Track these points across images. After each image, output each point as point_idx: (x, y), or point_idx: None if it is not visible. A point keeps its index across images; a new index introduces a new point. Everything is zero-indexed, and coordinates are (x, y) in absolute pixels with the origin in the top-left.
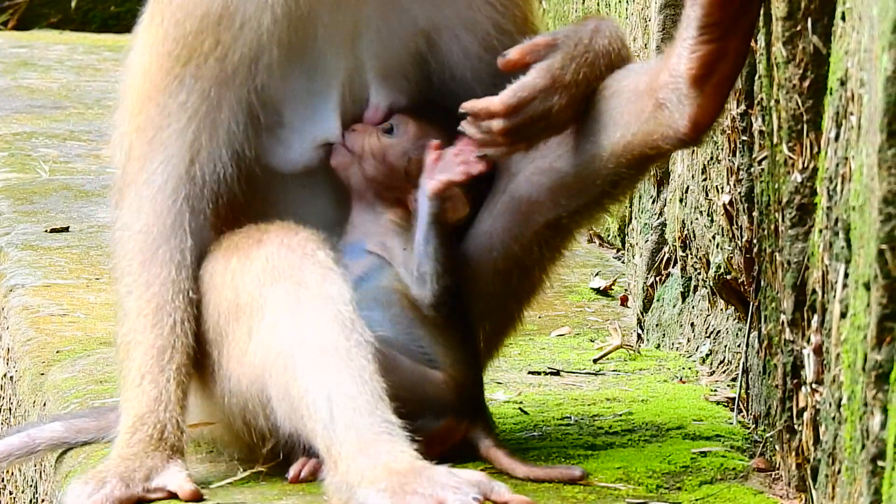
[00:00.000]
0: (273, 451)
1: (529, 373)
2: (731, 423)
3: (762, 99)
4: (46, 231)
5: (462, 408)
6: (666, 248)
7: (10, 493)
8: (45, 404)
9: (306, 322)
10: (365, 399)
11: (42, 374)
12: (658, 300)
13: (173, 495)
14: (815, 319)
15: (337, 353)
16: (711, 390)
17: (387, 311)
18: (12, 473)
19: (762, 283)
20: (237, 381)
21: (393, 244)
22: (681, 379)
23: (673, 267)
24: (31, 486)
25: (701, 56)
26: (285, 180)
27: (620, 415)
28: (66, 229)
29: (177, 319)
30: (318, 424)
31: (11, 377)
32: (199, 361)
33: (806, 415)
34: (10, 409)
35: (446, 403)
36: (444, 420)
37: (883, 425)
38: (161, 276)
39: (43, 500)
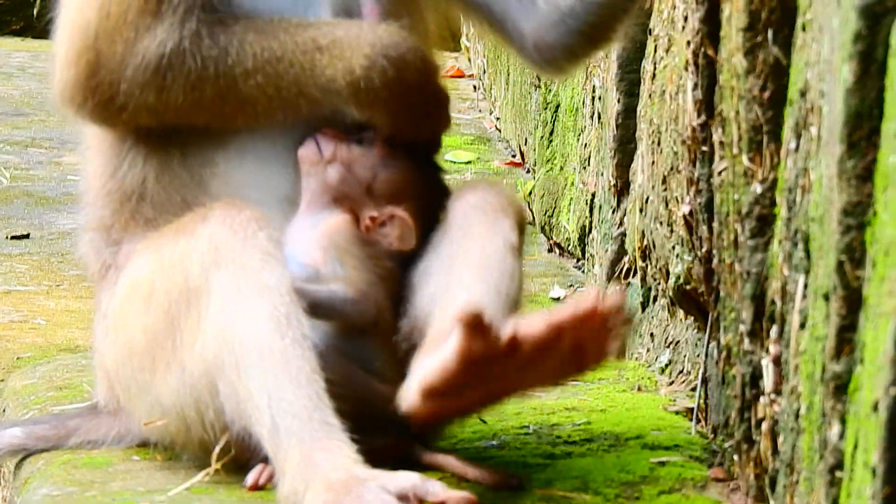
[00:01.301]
0: (226, 449)
1: None
2: (690, 433)
3: (722, 110)
4: (7, 238)
5: (407, 423)
6: (626, 258)
7: None
8: (4, 410)
9: (247, 316)
10: (302, 403)
11: (2, 380)
12: None
13: None
14: (774, 330)
15: (272, 354)
16: (670, 400)
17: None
18: None
19: (721, 293)
20: (190, 371)
21: (327, 259)
22: (639, 388)
23: (633, 277)
24: None
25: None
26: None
27: (579, 424)
28: (26, 236)
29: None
30: (263, 429)
31: None
32: (152, 351)
33: (764, 425)
34: None
35: (393, 418)
36: (390, 436)
37: (841, 436)
38: None
39: None
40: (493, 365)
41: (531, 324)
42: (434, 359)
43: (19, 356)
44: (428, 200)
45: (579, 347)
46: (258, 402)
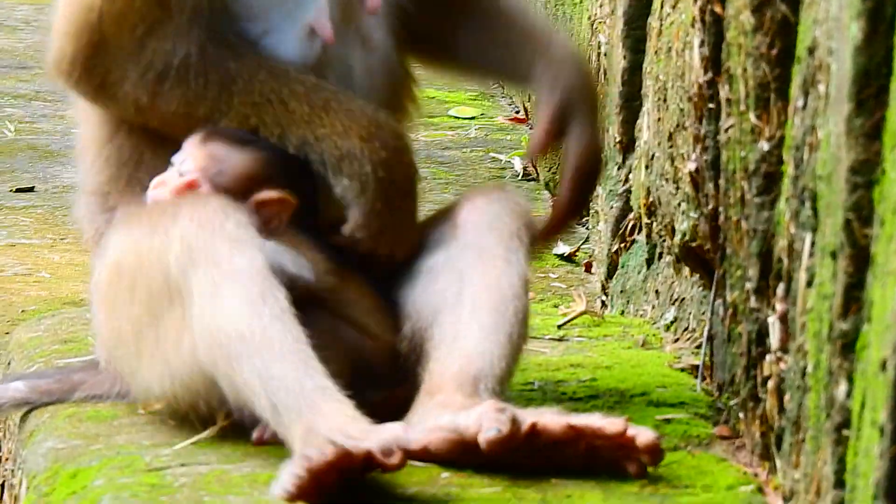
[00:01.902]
0: (230, 414)
1: None
2: (695, 391)
3: (729, 67)
4: (11, 191)
5: (399, 373)
6: (631, 215)
7: None
8: (9, 364)
9: (225, 308)
10: (293, 377)
11: (6, 333)
12: (622, 267)
13: None
14: (781, 288)
15: (254, 337)
16: (676, 357)
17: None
18: None
19: (727, 251)
20: (179, 366)
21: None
22: (644, 343)
23: (638, 234)
24: None
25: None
26: None
27: (584, 381)
28: (31, 189)
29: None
30: (265, 413)
31: None
32: (139, 343)
33: (770, 383)
34: None
35: (384, 371)
36: (385, 389)
37: (848, 394)
38: None
39: (6, 459)
40: (510, 446)
41: (553, 420)
42: (448, 422)
43: (24, 309)
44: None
45: (595, 450)
46: (254, 388)
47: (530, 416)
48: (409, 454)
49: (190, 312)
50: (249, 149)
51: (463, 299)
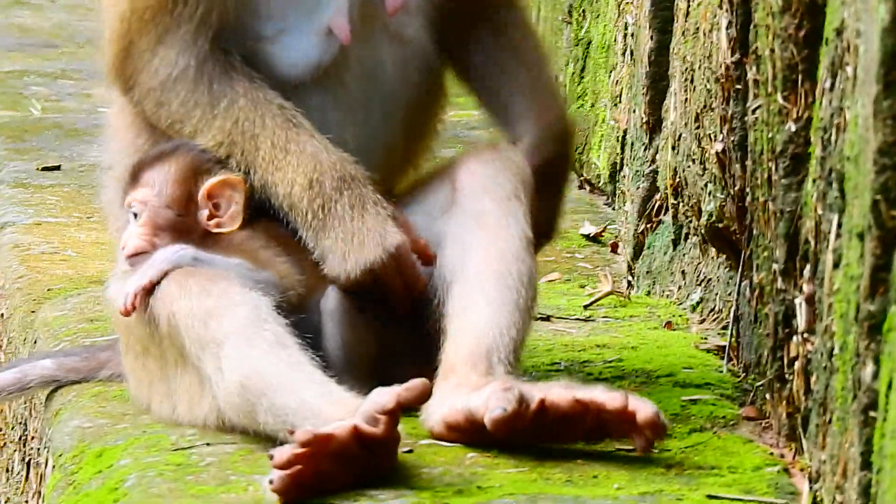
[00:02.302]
0: None
1: None
2: (722, 372)
3: (757, 48)
4: (38, 169)
5: (422, 349)
6: (657, 196)
7: (0, 429)
8: (35, 342)
9: (222, 373)
10: (294, 397)
11: (33, 311)
12: (649, 247)
13: None
14: (808, 269)
15: (252, 384)
16: (702, 338)
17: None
18: (2, 410)
19: (754, 231)
20: (198, 417)
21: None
22: (669, 324)
23: (664, 214)
24: (20, 423)
25: None
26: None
27: (610, 361)
28: (57, 167)
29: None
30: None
31: (2, 315)
32: (157, 385)
33: (797, 364)
34: (0, 347)
35: (407, 351)
36: (412, 367)
37: (875, 376)
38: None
39: (32, 438)
40: (517, 425)
41: (560, 395)
42: (462, 404)
43: (50, 288)
44: None
45: (602, 425)
46: (272, 426)
47: (538, 392)
48: (396, 420)
49: (199, 376)
50: (173, 154)
51: (467, 271)
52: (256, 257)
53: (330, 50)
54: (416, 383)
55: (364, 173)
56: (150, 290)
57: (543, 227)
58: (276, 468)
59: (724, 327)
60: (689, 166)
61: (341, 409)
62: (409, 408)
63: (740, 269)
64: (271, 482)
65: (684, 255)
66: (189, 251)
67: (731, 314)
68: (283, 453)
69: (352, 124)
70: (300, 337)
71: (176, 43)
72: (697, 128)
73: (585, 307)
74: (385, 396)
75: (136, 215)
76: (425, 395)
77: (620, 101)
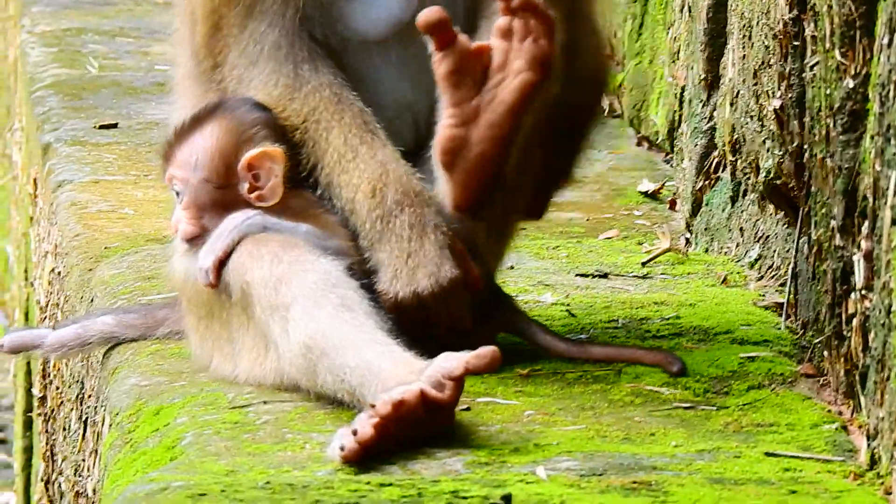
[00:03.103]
0: None
1: (577, 275)
2: (780, 329)
3: (814, 4)
4: (95, 127)
5: (482, 308)
6: (715, 153)
7: (57, 388)
8: (92, 300)
9: (288, 333)
10: (356, 357)
11: (90, 270)
12: (707, 204)
13: None
14: (866, 225)
15: (316, 344)
16: (760, 295)
17: None
18: (59, 369)
19: (812, 188)
20: (261, 378)
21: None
22: (724, 279)
23: (722, 171)
24: (77, 381)
25: (440, 140)
26: (363, 50)
27: (668, 318)
28: (114, 125)
29: (360, 106)
30: (349, 401)
31: (59, 273)
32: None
33: (855, 321)
34: (57, 305)
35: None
36: (497, 318)
37: None
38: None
39: (89, 396)
40: None
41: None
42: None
43: (107, 246)
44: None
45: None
46: (332, 387)
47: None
48: (462, 386)
49: (264, 337)
50: (211, 120)
51: None
52: (322, 223)
53: (410, 5)
54: (486, 351)
55: (429, 192)
56: (224, 261)
57: (560, 173)
58: (353, 436)
59: (782, 284)
60: (746, 123)
61: (402, 370)
62: (476, 374)
63: (798, 226)
64: (342, 448)
65: (742, 211)
66: (258, 218)
67: (789, 271)
68: (364, 427)
69: (428, 81)
70: (372, 300)
71: (265, 16)
72: (755, 84)
73: (643, 264)
74: (453, 362)
75: (178, 193)
76: (494, 364)
77: (679, 58)
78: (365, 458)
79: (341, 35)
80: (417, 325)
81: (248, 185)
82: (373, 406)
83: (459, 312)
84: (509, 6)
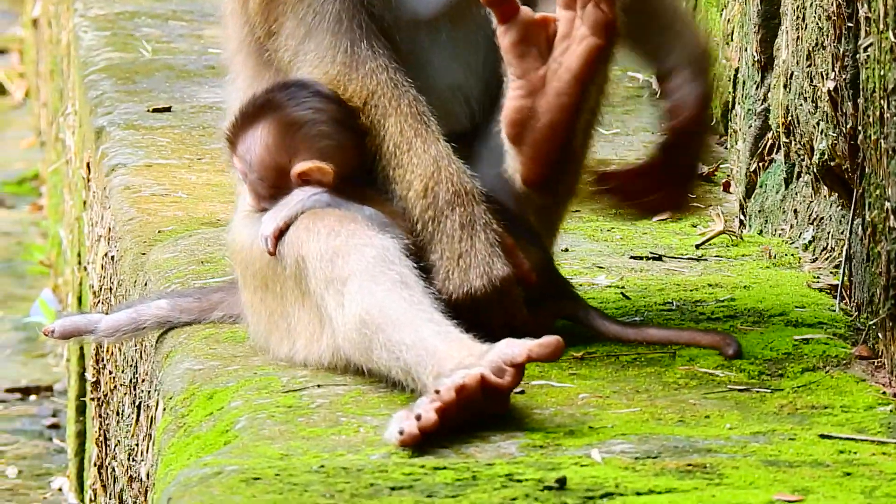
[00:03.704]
0: None
1: (631, 257)
2: (834, 311)
3: None
4: (148, 110)
5: (538, 293)
6: (769, 134)
7: (110, 372)
8: (146, 284)
9: (344, 307)
10: (413, 335)
11: (143, 253)
12: (761, 186)
13: None
14: None
15: (373, 319)
16: (814, 277)
17: None
18: (112, 353)
19: (866, 170)
20: (315, 356)
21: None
22: (770, 253)
23: (776, 153)
24: (131, 365)
25: (507, 113)
26: (413, 28)
27: (723, 301)
28: (168, 109)
29: (414, 94)
30: (403, 380)
31: (113, 257)
32: (276, 326)
33: None
34: (110, 289)
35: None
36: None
37: None
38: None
39: (143, 380)
40: None
41: None
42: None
43: (161, 229)
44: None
45: None
46: (386, 363)
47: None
48: (522, 373)
49: (319, 312)
50: (261, 119)
51: None
52: (387, 211)
53: None
54: (550, 340)
55: (480, 190)
56: (284, 231)
57: (691, 165)
58: (417, 421)
59: (837, 266)
60: (800, 105)
61: (459, 352)
62: (538, 362)
63: (852, 208)
64: (401, 432)
65: (796, 193)
66: (325, 196)
67: (844, 253)
68: (428, 412)
69: (478, 61)
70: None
71: None
72: (809, 66)
73: (697, 246)
74: (516, 349)
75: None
76: (557, 354)
77: (732, 40)
78: (424, 443)
79: (394, 13)
80: (472, 323)
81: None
82: (437, 392)
83: (513, 309)
84: None
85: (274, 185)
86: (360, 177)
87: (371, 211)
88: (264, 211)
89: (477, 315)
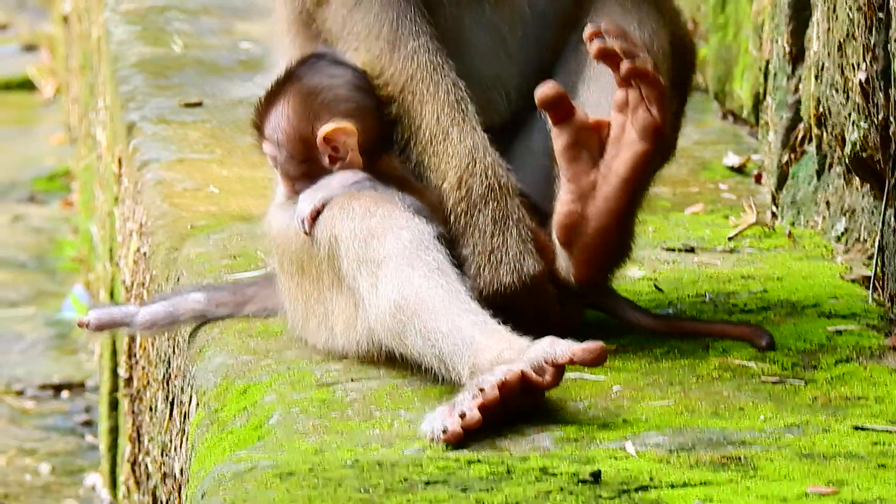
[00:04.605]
0: None
1: (664, 249)
2: (867, 302)
3: None
4: (180, 105)
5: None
6: (801, 126)
7: (143, 368)
8: (178, 279)
9: (379, 291)
10: (450, 324)
11: (176, 248)
12: (793, 178)
13: None
14: None
15: (408, 305)
16: (847, 268)
17: None
18: (145, 348)
19: None
20: (350, 341)
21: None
22: (790, 234)
23: (808, 144)
24: (163, 361)
25: (558, 217)
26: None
27: (756, 292)
28: (199, 104)
29: (454, 79)
30: (437, 368)
31: (145, 252)
32: (311, 311)
33: None
34: (143, 284)
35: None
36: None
37: None
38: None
39: (176, 376)
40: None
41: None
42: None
43: (193, 224)
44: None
45: None
46: (421, 350)
47: None
48: (563, 374)
49: (353, 295)
50: (282, 97)
51: None
52: (425, 198)
53: None
54: (595, 346)
55: (514, 183)
56: (320, 211)
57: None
58: (460, 419)
59: (870, 257)
60: (832, 96)
61: (498, 344)
62: (581, 366)
63: (885, 199)
64: (444, 431)
65: (828, 185)
66: (367, 183)
67: (876, 244)
68: (472, 410)
69: (519, 48)
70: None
71: None
72: (840, 57)
73: (730, 238)
74: (559, 349)
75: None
76: (601, 360)
77: (763, 32)
78: (466, 440)
79: None
80: (504, 318)
81: (328, 157)
82: (481, 389)
83: (545, 306)
84: (622, 75)
85: (304, 160)
86: (394, 159)
87: (410, 199)
88: (298, 196)
89: (507, 311)
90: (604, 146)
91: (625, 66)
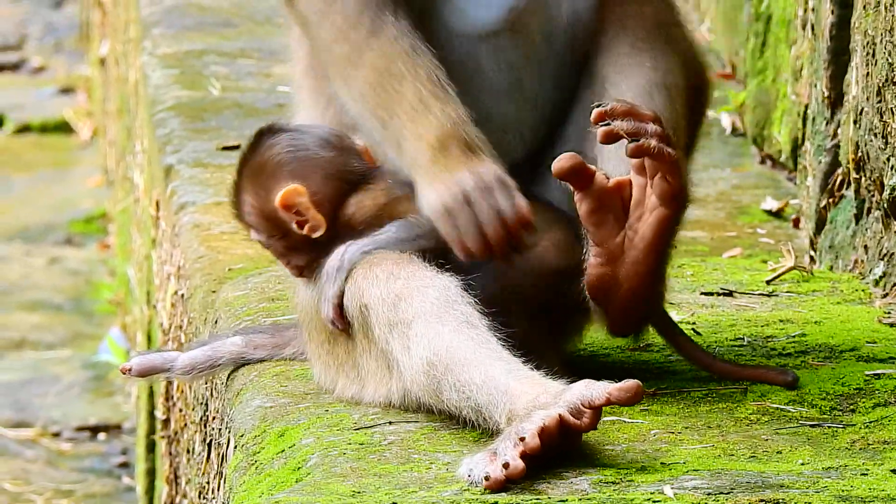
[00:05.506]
0: None
1: (702, 294)
2: None
3: None
4: (217, 149)
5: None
6: (839, 170)
7: (181, 410)
8: (216, 322)
9: (410, 349)
10: (482, 374)
11: (213, 291)
12: (831, 222)
13: None
14: None
15: (440, 361)
16: (885, 313)
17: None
18: (182, 391)
19: None
20: (384, 398)
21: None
22: (812, 259)
23: (846, 189)
24: (201, 403)
25: (589, 279)
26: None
27: (794, 336)
28: (237, 147)
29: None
30: (474, 420)
31: (182, 295)
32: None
33: None
34: (180, 327)
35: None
36: None
37: None
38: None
39: (213, 418)
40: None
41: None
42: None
43: (230, 267)
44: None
45: None
46: (456, 403)
47: None
48: (600, 415)
49: (386, 357)
50: (241, 185)
51: None
52: (406, 209)
53: None
54: (631, 385)
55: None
56: (342, 299)
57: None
58: (504, 469)
59: None
60: (870, 140)
61: (533, 389)
62: (618, 405)
63: None
64: (487, 478)
65: (867, 229)
66: (352, 249)
67: None
68: (515, 460)
69: (537, 86)
70: (487, 315)
71: None
72: (879, 102)
73: (768, 282)
74: (595, 391)
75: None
76: (638, 398)
77: (801, 76)
78: (508, 487)
79: (446, 25)
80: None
81: (295, 224)
82: (522, 439)
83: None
84: (629, 154)
85: (281, 236)
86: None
87: (396, 225)
88: (302, 273)
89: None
90: (627, 206)
91: (630, 147)
